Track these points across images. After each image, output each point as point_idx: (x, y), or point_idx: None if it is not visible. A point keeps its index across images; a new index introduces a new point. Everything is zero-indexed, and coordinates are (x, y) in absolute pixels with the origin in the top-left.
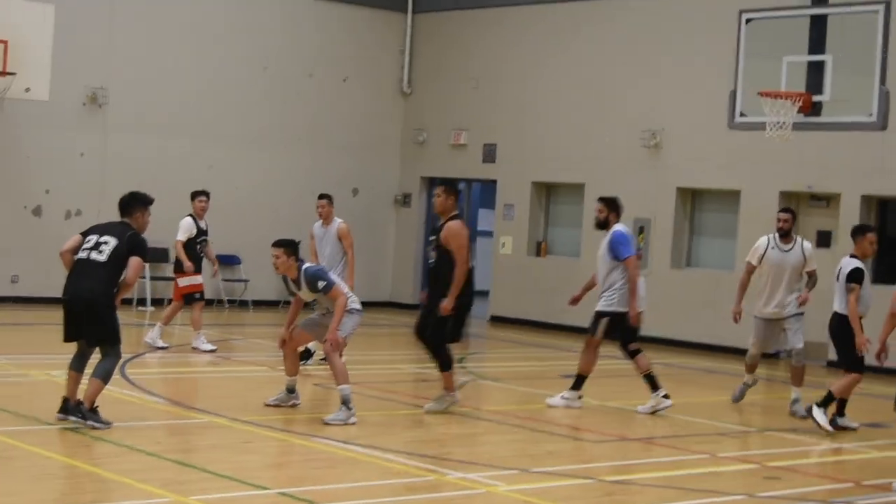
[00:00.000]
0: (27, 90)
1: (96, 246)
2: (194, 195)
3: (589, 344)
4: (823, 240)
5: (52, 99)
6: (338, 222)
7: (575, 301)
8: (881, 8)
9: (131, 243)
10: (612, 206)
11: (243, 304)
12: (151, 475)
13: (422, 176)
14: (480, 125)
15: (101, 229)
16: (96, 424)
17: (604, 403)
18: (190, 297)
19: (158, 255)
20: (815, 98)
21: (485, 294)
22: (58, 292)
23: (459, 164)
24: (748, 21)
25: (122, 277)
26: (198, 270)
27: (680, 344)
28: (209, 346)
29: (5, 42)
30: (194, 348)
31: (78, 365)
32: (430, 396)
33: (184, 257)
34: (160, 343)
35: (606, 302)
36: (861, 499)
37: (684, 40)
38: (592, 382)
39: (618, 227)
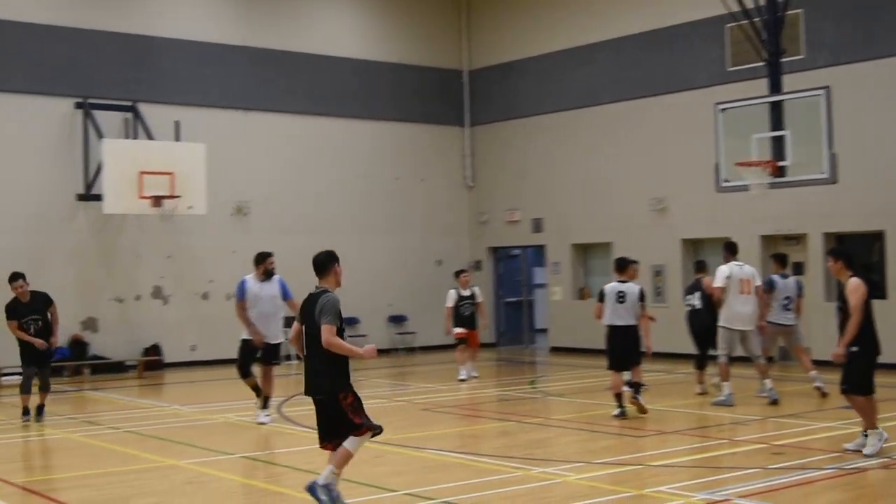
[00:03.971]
0: (189, 208)
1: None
2: (457, 273)
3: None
4: (798, 269)
5: (208, 212)
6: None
7: None
8: (823, 92)
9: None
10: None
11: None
12: None
13: (487, 246)
14: (529, 205)
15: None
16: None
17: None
18: (461, 342)
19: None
20: (780, 164)
21: (544, 331)
22: (227, 355)
23: (514, 235)
24: (723, 110)
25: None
26: (461, 325)
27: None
28: (464, 376)
29: (172, 174)
30: (462, 379)
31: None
32: (516, 412)
33: (448, 318)
34: (474, 374)
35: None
36: (847, 464)
37: (678, 129)
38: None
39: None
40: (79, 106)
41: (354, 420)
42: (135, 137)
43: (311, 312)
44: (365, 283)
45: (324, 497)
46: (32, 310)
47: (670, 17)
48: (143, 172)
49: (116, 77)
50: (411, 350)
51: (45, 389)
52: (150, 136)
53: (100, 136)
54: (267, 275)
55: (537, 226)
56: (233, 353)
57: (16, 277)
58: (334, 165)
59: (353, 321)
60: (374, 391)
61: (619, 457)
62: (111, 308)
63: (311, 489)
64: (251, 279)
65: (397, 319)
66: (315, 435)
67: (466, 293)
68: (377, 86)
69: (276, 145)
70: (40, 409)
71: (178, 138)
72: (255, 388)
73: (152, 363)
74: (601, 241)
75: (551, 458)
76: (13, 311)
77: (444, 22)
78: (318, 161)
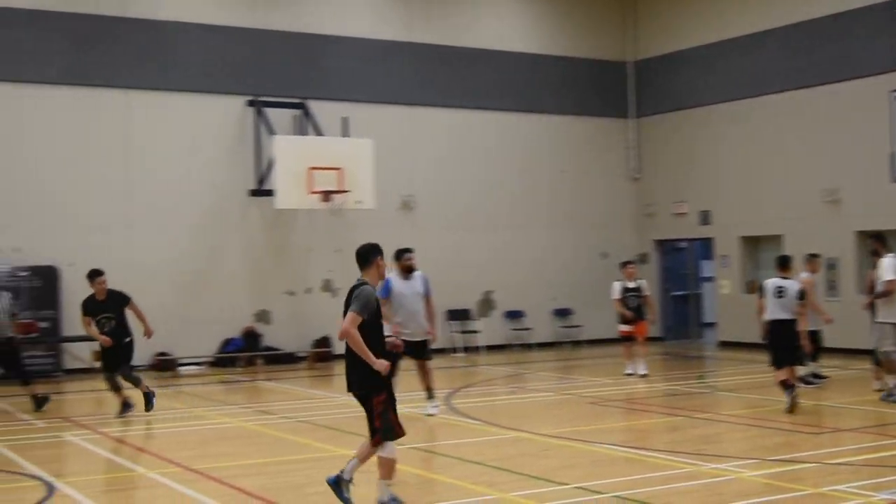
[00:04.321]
0: (358, 202)
1: None
2: (623, 264)
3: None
4: None
5: (376, 207)
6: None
7: None
8: None
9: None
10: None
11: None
12: (479, 479)
13: (653, 239)
14: (696, 197)
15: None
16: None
17: (818, 403)
18: (626, 339)
19: (460, 314)
20: None
21: (712, 325)
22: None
23: (681, 228)
24: None
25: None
26: (634, 319)
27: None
28: (630, 371)
29: (340, 169)
30: (629, 374)
31: None
32: (685, 407)
33: (620, 310)
34: (643, 371)
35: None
36: None
37: (851, 118)
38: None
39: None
40: (250, 104)
41: (375, 423)
42: (304, 134)
43: (347, 304)
44: (530, 277)
45: None
46: (105, 308)
47: (841, 2)
48: (312, 168)
49: (286, 75)
50: (577, 343)
51: (136, 383)
52: (318, 133)
53: (271, 133)
54: (407, 271)
55: (705, 218)
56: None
57: (98, 273)
58: (498, 159)
59: (517, 314)
60: (540, 384)
61: (793, 454)
62: (282, 301)
63: None
64: (395, 277)
65: (562, 313)
66: (482, 427)
67: (632, 285)
68: (541, 79)
69: (441, 140)
70: (147, 397)
71: (345, 134)
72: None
73: (322, 354)
74: (771, 233)
75: (723, 454)
76: (87, 307)
77: (608, 13)
78: (483, 155)
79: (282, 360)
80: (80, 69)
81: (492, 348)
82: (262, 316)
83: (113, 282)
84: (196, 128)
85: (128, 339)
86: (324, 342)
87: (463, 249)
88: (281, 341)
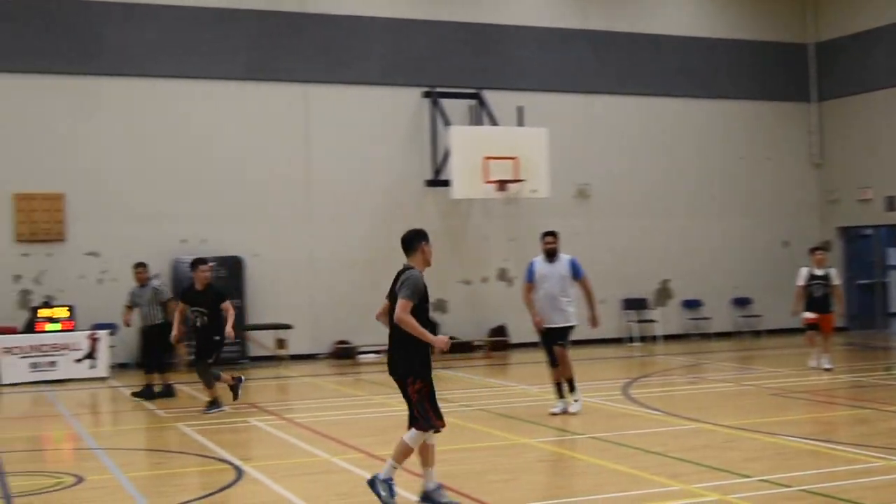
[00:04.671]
0: (533, 191)
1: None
2: (812, 250)
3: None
4: None
5: (551, 195)
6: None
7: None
8: None
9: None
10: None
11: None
12: (661, 470)
13: (836, 226)
14: (882, 182)
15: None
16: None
17: None
18: (811, 327)
19: (636, 304)
20: None
21: None
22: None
23: (866, 214)
24: None
25: None
26: (810, 307)
27: None
28: (814, 364)
29: (515, 158)
30: (815, 367)
31: None
32: (873, 399)
33: (797, 298)
34: (827, 365)
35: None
36: None
37: None
38: None
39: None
40: (426, 95)
41: (414, 411)
42: (479, 124)
43: (394, 290)
44: (708, 266)
45: (383, 492)
46: (200, 300)
47: None
48: (487, 158)
49: (461, 66)
50: (757, 333)
51: (208, 384)
52: (493, 122)
53: (446, 123)
54: (548, 255)
55: (891, 204)
56: (573, 335)
57: (202, 262)
58: (675, 146)
59: (695, 304)
60: (720, 374)
61: None
62: (459, 290)
63: (372, 483)
64: (539, 260)
65: (742, 302)
66: (662, 417)
67: (819, 273)
68: (718, 63)
69: (616, 127)
70: (234, 389)
71: (520, 123)
72: (558, 384)
73: (499, 343)
74: None
75: None
76: (184, 295)
77: None
78: (659, 142)
79: (459, 348)
80: (264, 65)
81: (669, 338)
82: (439, 305)
83: (294, 271)
84: (373, 120)
85: (216, 338)
86: (500, 331)
87: (639, 238)
88: (457, 330)
